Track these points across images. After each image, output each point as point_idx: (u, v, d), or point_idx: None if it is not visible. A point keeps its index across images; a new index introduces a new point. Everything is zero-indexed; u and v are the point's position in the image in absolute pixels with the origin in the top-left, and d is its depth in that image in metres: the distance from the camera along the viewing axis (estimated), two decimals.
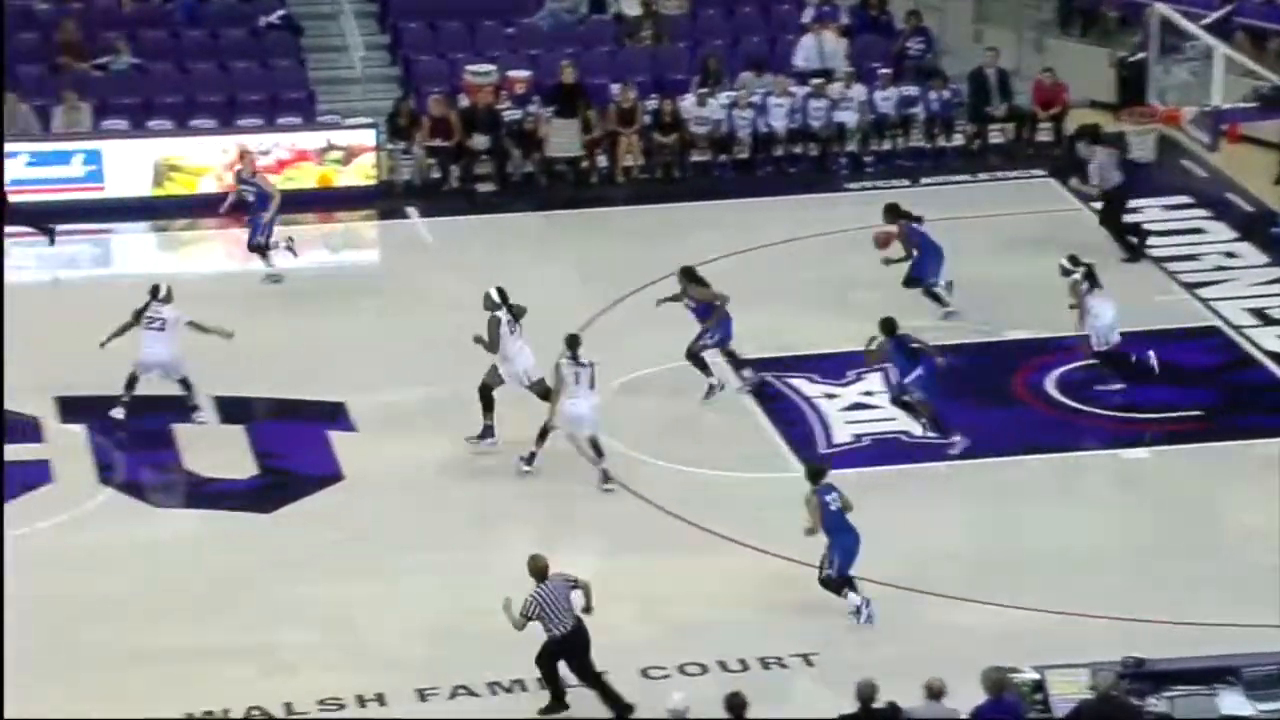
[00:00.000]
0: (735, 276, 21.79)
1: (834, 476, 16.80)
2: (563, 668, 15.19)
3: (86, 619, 16.45)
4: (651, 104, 27.12)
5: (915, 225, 22.15)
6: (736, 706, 13.91)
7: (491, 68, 27.34)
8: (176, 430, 19.66)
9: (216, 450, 19.31)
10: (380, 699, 15.49)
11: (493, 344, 18.87)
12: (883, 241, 22.16)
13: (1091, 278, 20.62)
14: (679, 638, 16.25)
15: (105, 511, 18.34)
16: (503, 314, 18.91)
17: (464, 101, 27.09)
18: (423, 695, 15.50)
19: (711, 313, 20.20)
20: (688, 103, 27.17)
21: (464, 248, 24.62)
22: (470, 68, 27.40)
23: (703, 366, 20.37)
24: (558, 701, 15.20)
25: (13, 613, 16.27)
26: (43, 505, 18.29)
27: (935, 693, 13.98)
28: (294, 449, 19.31)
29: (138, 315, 19.71)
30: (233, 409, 19.94)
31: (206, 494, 18.69)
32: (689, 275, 20.47)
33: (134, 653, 16.01)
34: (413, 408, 20.11)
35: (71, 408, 19.91)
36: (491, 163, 26.89)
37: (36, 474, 18.80)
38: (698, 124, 27.05)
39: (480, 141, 26.71)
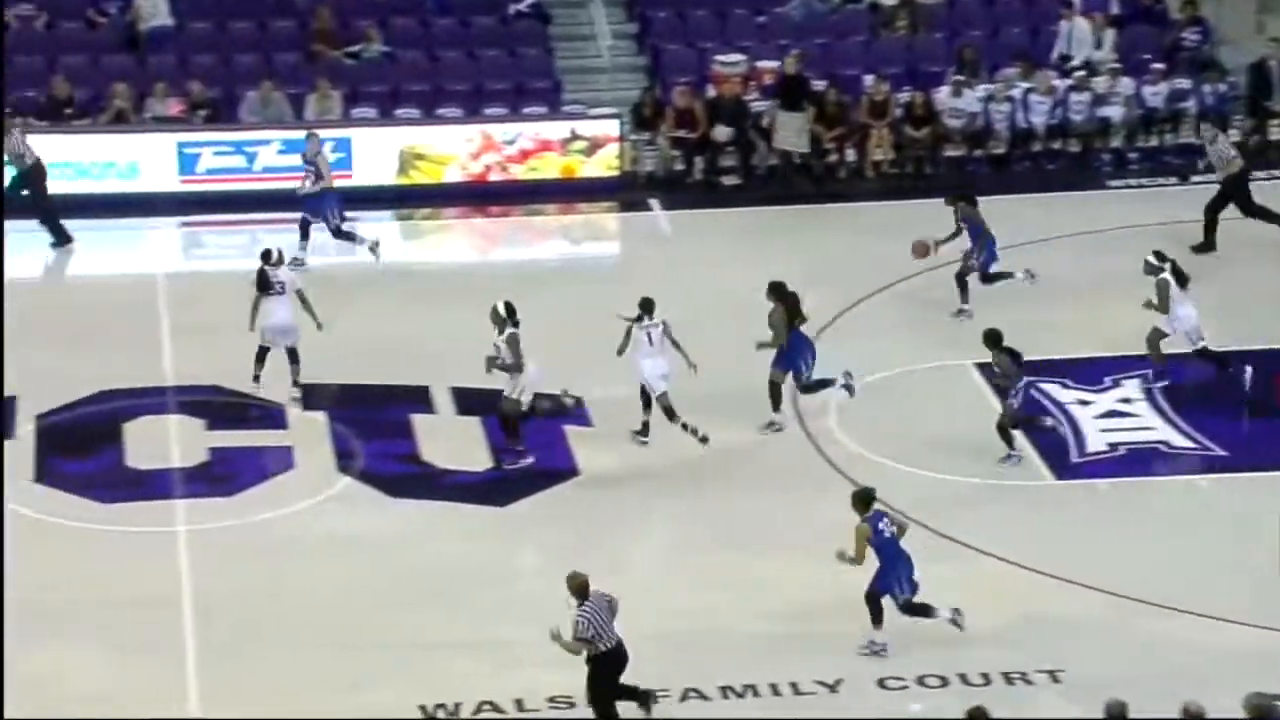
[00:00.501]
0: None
1: (1084, 486, 16.12)
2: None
3: (320, 606, 16.44)
4: (904, 96, 26.49)
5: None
6: None
7: (740, 58, 26.97)
8: (415, 421, 19.61)
9: (453, 442, 19.21)
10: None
11: (517, 362, 18.39)
12: (921, 252, 21.52)
13: (1179, 275, 19.65)
14: (917, 649, 15.72)
15: (343, 500, 18.33)
16: (518, 330, 18.40)
17: (711, 92, 26.75)
18: (655, 697, 15.17)
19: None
20: (942, 93, 26.48)
21: (704, 241, 24.31)
22: (719, 58, 27.06)
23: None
24: None
25: (250, 596, 16.40)
26: (284, 492, 18.36)
27: (1194, 717, 13.23)
28: (530, 443, 19.11)
29: (260, 284, 19.53)
30: (470, 401, 19.82)
31: (442, 486, 18.58)
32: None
33: (366, 641, 15.95)
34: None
35: (313, 395, 19.98)
36: (736, 155, 26.51)
37: (280, 460, 18.88)
38: (952, 115, 26.34)
39: (725, 133, 26.35)
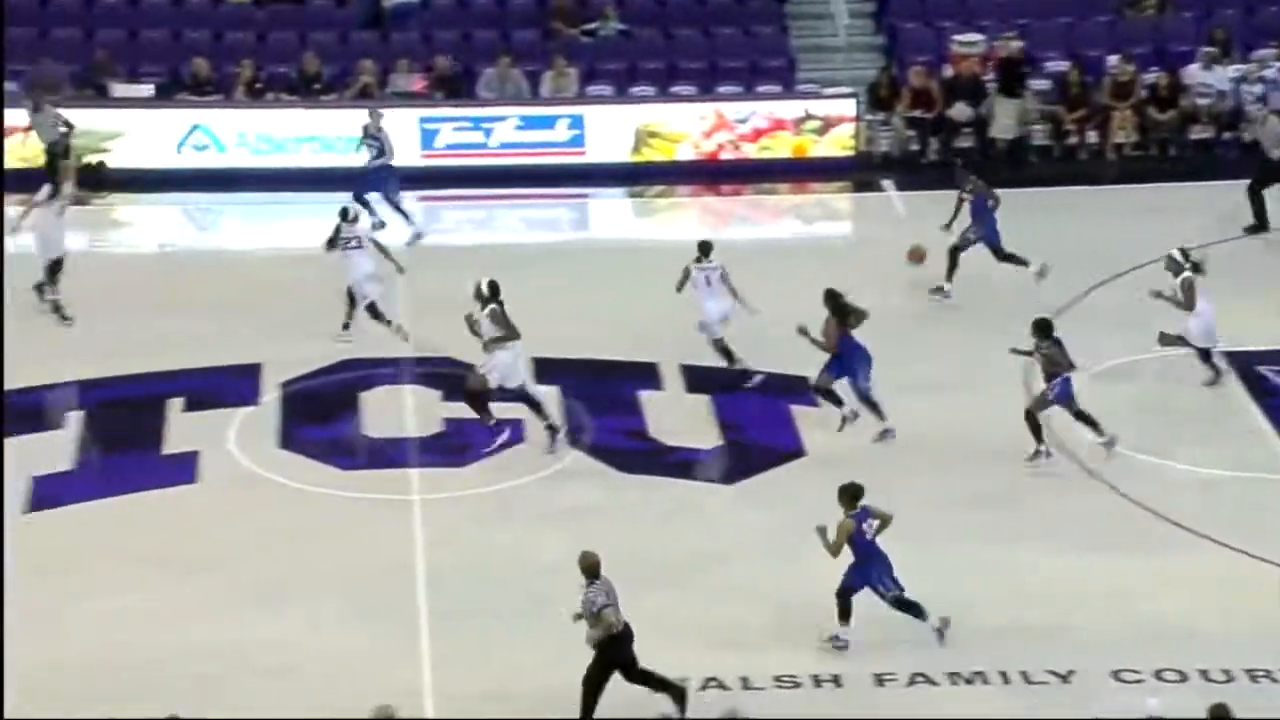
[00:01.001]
0: (1226, 264, 20.64)
1: None
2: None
3: (548, 578, 16.48)
4: (1149, 78, 25.90)
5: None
6: None
7: (980, 37, 26.63)
8: (643, 397, 19.69)
9: (681, 419, 19.25)
10: (836, 680, 15.15)
11: (510, 332, 18.37)
12: (917, 258, 21.29)
13: (1198, 272, 19.08)
14: (1155, 642, 15.40)
15: (572, 473, 18.47)
16: (500, 306, 18.38)
17: (948, 72, 26.43)
18: (880, 680, 15.07)
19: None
20: (1192, 69, 25.79)
21: (937, 223, 24.00)
22: (958, 37, 26.74)
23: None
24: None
25: (480, 566, 16.62)
26: (515, 464, 18.54)
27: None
28: (757, 421, 19.07)
29: (332, 243, 20.29)
30: (698, 378, 19.85)
31: (669, 463, 18.64)
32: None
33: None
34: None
35: (546, 369, 20.17)
36: (973, 135, 26.16)
37: (510, 433, 18.98)
38: (1200, 92, 25.63)
39: (962, 113, 26.01)
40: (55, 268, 21.12)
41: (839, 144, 25.93)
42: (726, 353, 19.56)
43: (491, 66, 26.44)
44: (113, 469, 18.19)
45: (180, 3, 27.41)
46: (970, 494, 17.81)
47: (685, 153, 25.98)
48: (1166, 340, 19.25)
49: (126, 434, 18.78)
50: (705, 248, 19.61)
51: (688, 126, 26.03)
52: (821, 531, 15.32)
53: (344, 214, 20.69)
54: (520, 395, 18.59)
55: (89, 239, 24.82)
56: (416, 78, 26.35)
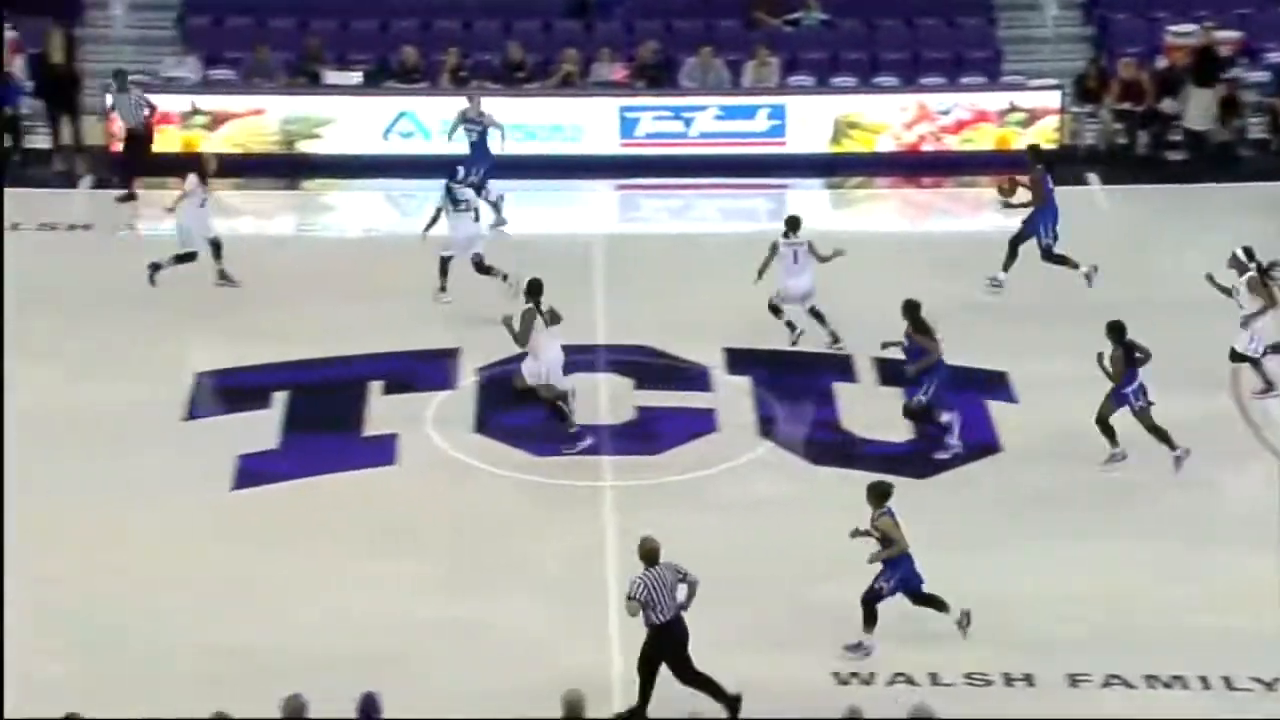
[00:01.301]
0: None
1: None
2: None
3: (738, 566, 16.52)
4: None
5: (1049, 176, 20.72)
6: None
7: (1194, 28, 26.06)
8: (837, 389, 19.64)
9: (875, 412, 19.16)
10: (1029, 679, 15.00)
11: (523, 336, 18.15)
12: (1008, 188, 21.09)
13: (1264, 273, 18.51)
14: None
15: (764, 464, 18.48)
16: (539, 307, 18.15)
17: (1161, 63, 25.94)
18: (1074, 681, 14.87)
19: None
20: None
21: (1140, 218, 23.64)
22: (1172, 28, 26.22)
23: None
24: (643, 705, 14.33)
25: (671, 553, 16.64)
26: (707, 453, 18.59)
27: None
28: (955, 416, 18.88)
29: (450, 201, 21.00)
30: (892, 371, 19.71)
31: (863, 455, 18.55)
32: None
33: (780, 604, 16.06)
34: (1068, 379, 19.26)
35: (739, 359, 20.19)
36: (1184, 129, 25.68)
37: (704, 422, 19.13)
38: None
39: (1174, 106, 25.52)
40: (216, 249, 21.53)
41: (1043, 136, 25.56)
42: (819, 316, 19.91)
43: (693, 56, 26.50)
44: (315, 449, 18.54)
45: None
46: (1130, 493, 17.42)
47: (885, 144, 25.83)
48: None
49: (329, 415, 19.16)
50: (794, 223, 20.03)
51: (889, 117, 25.86)
52: (856, 533, 15.31)
53: (453, 175, 21.27)
54: (548, 395, 18.40)
55: (296, 223, 25.41)
56: (618, 67, 26.50)
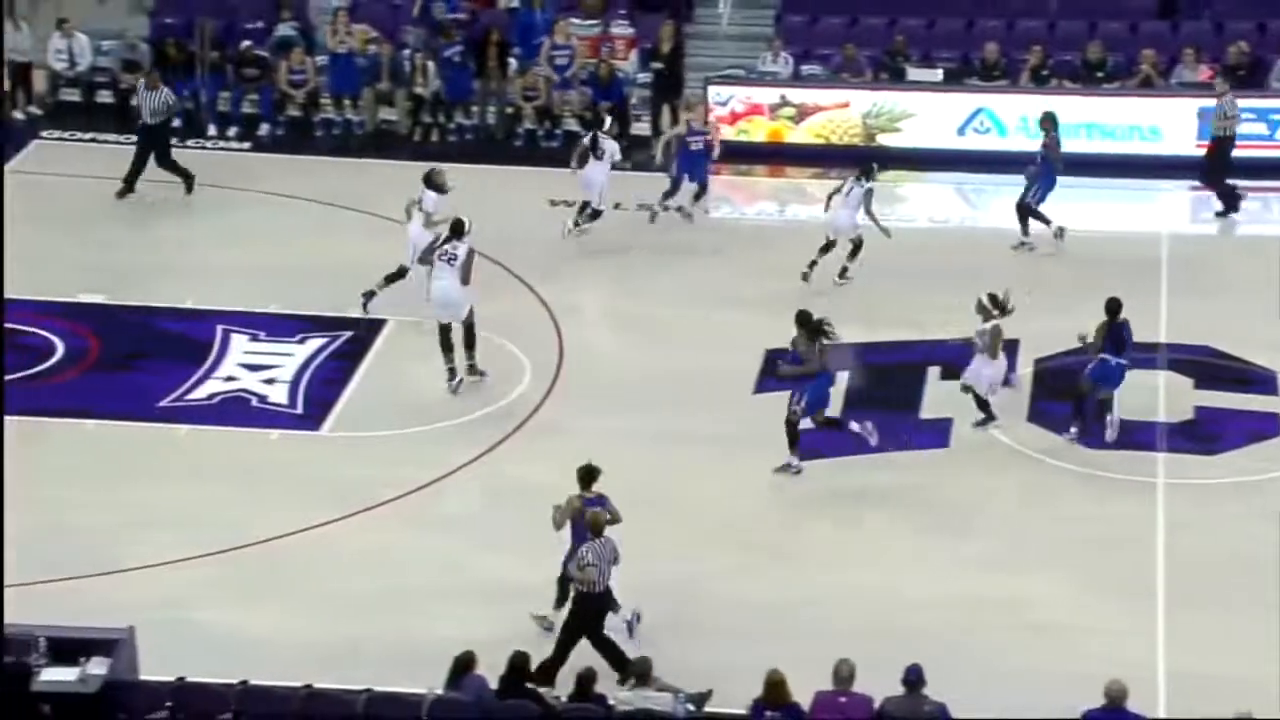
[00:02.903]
0: None
1: None
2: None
3: None
4: None
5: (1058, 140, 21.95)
6: None
7: None
8: None
9: None
10: None
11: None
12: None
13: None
14: None
15: None
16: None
17: None
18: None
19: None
20: None
21: None
22: None
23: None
24: (558, 664, 14.93)
25: (1221, 554, 16.62)
26: (1267, 456, 18.42)
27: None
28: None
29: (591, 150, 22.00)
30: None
31: None
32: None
33: None
34: None
35: None
36: None
37: (1267, 426, 18.92)
38: None
39: None
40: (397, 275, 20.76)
41: None
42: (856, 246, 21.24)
43: None
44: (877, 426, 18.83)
45: None
46: None
47: None
48: None
49: (890, 395, 19.70)
50: (867, 171, 21.59)
51: None
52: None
53: (600, 124, 22.55)
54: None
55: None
56: (1204, 68, 26.13)
